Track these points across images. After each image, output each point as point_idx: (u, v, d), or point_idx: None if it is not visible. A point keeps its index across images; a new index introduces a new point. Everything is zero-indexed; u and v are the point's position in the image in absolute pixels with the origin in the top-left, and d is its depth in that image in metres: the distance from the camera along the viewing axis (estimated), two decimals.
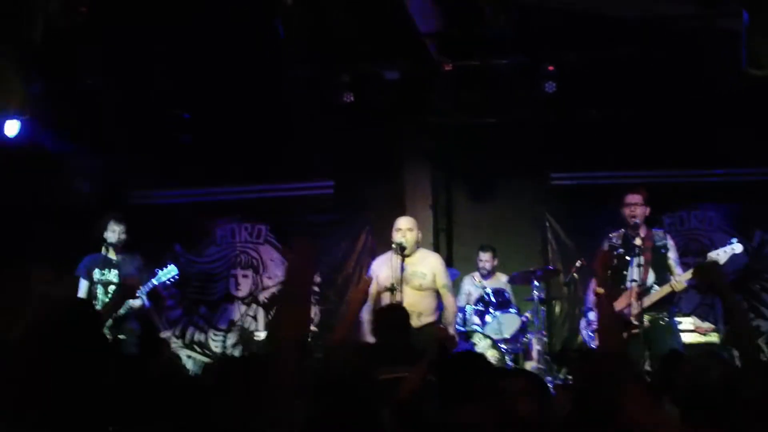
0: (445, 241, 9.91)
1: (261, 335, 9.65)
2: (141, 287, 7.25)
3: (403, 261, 7.02)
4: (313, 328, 9.88)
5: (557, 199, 9.63)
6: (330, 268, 9.99)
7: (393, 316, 5.63)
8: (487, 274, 8.94)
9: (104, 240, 7.60)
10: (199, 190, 10.21)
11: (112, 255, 7.59)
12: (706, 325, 8.62)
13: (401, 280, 6.92)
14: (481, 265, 8.99)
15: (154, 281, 7.49)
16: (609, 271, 6.75)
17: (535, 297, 8.48)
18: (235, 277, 10.29)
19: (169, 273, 7.50)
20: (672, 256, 6.92)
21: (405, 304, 6.33)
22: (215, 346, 10.11)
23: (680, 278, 6.72)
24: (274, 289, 10.20)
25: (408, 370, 4.22)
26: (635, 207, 6.80)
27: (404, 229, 7.14)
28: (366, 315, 7.06)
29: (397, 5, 7.25)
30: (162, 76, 8.50)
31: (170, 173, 9.84)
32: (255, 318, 10.20)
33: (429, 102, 9.21)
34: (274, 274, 10.21)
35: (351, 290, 7.82)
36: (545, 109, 8.92)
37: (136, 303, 7.42)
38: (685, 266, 7.14)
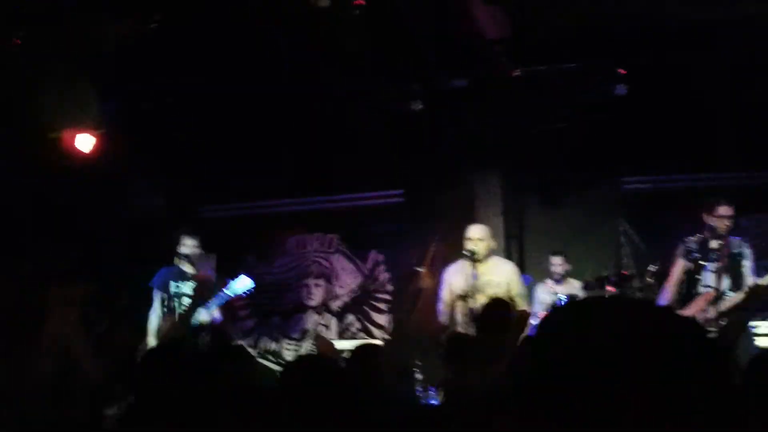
0: (517, 247, 9.83)
1: (335, 344, 9.70)
2: (213, 283, 7.36)
3: (475, 269, 7.00)
4: (385, 335, 9.93)
5: (631, 203, 9.48)
6: (402, 277, 10.00)
7: (494, 313, 5.67)
8: (560, 279, 8.87)
9: (178, 253, 7.74)
10: (271, 201, 10.34)
11: (186, 268, 7.72)
12: None
13: (474, 289, 6.91)
14: (552, 269, 8.93)
15: (228, 292, 7.53)
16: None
17: None
18: (307, 287, 10.37)
19: (244, 286, 7.49)
20: (748, 264, 6.82)
21: None
22: (288, 355, 10.19)
23: (764, 281, 6.58)
24: (346, 298, 10.26)
25: None
26: (729, 219, 6.69)
27: (475, 239, 7.14)
28: (443, 318, 7.14)
29: (464, 12, 7.24)
30: (231, 90, 8.61)
31: (241, 186, 9.97)
32: (327, 327, 10.26)
33: (497, 108, 9.16)
34: (346, 283, 10.27)
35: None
36: (617, 113, 8.81)
37: (205, 318, 7.43)
38: (763, 270, 7.00)
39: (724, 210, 6.69)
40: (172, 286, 7.67)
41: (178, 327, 7.14)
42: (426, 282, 7.25)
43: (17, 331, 7.52)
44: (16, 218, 8.70)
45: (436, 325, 7.23)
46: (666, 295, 6.98)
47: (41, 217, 8.75)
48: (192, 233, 7.83)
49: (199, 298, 6.69)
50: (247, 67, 8.17)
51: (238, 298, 7.74)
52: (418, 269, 7.28)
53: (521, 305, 7.08)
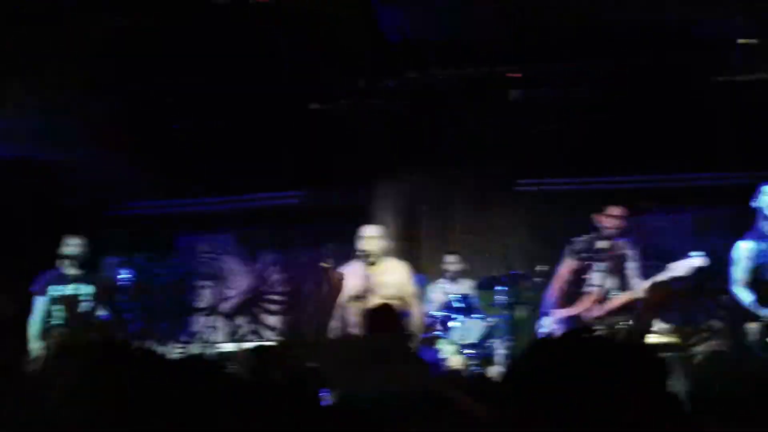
0: (411, 248, 9.88)
1: (223, 347, 9.51)
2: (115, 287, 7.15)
3: (369, 270, 6.99)
4: (276, 337, 9.82)
5: (521, 205, 9.67)
6: (295, 279, 9.94)
7: (382, 317, 5.64)
8: (454, 278, 8.95)
9: (61, 255, 7.43)
10: (162, 201, 10.10)
11: (69, 270, 7.42)
12: (668, 327, 8.74)
13: (368, 290, 6.89)
14: (446, 267, 9.00)
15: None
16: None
17: (500, 302, 8.50)
18: (197, 288, 10.18)
19: (120, 275, 7.32)
20: (633, 265, 7.02)
21: None
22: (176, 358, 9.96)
23: (645, 285, 6.79)
24: (236, 300, 10.10)
25: None
26: (619, 220, 6.87)
27: (368, 237, 7.12)
28: (333, 322, 7.09)
29: (366, 13, 7.22)
30: (135, 88, 8.39)
31: (132, 184, 9.68)
32: (216, 329, 10.07)
33: (397, 111, 9.19)
34: (236, 285, 10.11)
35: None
36: (511, 117, 8.96)
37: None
38: (645, 269, 7.23)
39: (615, 210, 6.89)
40: (51, 290, 7.36)
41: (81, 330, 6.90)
42: (334, 279, 7.15)
43: (17, 329, 7.23)
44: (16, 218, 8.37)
45: (331, 327, 7.17)
46: (553, 293, 7.13)
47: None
48: (75, 233, 7.55)
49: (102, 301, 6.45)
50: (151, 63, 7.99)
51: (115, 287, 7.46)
52: (324, 265, 7.15)
53: (414, 306, 7.10)
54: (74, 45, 7.11)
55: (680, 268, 6.74)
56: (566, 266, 7.13)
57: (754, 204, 6.61)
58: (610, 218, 6.89)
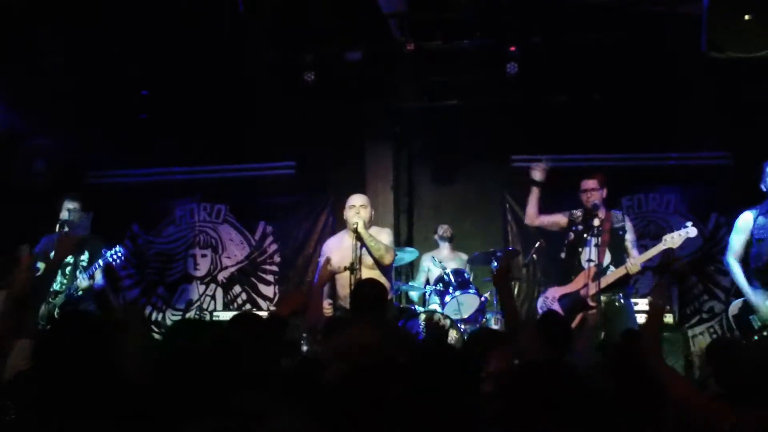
0: (406, 221, 9.91)
1: (220, 315, 9.53)
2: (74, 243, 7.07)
3: (356, 240, 6.94)
4: (272, 307, 9.86)
5: (518, 181, 9.62)
6: (291, 249, 9.98)
7: (370, 292, 5.61)
8: (449, 239, 8.96)
9: (60, 219, 7.44)
10: (159, 169, 10.11)
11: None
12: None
13: (360, 259, 6.86)
14: (441, 233, 9.01)
15: (100, 261, 7.30)
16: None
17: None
18: (193, 257, 10.21)
19: (114, 253, 7.26)
20: (629, 237, 7.02)
21: None
22: None
23: (636, 261, 6.80)
24: (233, 269, 10.15)
25: None
26: (591, 192, 6.90)
27: (357, 206, 7.04)
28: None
29: None
30: (121, 53, 8.35)
31: (129, 152, 9.68)
32: (213, 298, 10.13)
33: (391, 83, 9.17)
34: (233, 254, 10.15)
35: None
36: (508, 92, 8.94)
37: (85, 284, 7.22)
38: (642, 248, 7.25)
39: (585, 183, 6.95)
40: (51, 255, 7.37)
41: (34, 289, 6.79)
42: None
43: None
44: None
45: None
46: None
47: None
48: (74, 198, 7.54)
49: (58, 260, 6.37)
50: (138, 28, 7.95)
51: (108, 263, 7.39)
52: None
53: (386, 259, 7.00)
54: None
55: (675, 239, 6.74)
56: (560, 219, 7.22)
57: (763, 186, 6.58)
58: (584, 192, 6.93)
